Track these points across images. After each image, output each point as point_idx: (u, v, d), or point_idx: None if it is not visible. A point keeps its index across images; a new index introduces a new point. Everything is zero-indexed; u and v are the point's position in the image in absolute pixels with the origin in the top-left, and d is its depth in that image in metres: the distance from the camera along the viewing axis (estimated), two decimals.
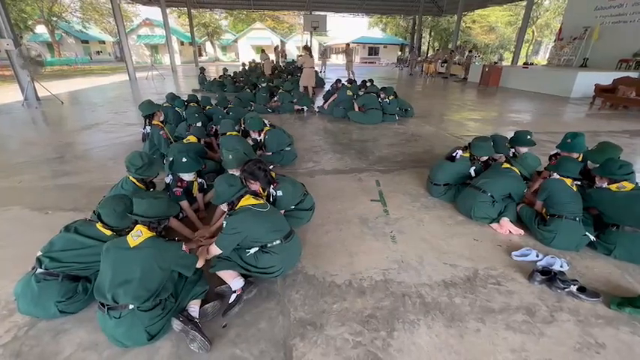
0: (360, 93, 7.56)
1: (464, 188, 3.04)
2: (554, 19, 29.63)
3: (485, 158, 3.20)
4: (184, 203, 2.74)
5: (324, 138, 5.56)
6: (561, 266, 2.20)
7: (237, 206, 2.00)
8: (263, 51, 12.83)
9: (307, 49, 9.17)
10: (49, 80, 14.22)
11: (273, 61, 13.33)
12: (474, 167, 3.09)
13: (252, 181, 2.35)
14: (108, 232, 1.88)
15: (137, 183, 2.39)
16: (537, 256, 2.32)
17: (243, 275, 1.99)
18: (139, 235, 1.66)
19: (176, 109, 5.46)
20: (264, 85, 8.64)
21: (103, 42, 37.41)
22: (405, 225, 2.81)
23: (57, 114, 7.62)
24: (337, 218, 2.93)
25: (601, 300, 1.93)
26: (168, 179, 2.77)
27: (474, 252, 2.43)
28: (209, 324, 1.79)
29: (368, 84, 8.91)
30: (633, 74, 9.22)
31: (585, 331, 1.74)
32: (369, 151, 4.82)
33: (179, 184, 2.72)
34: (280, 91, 7.93)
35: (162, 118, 4.00)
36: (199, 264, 1.86)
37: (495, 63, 16.68)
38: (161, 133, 3.73)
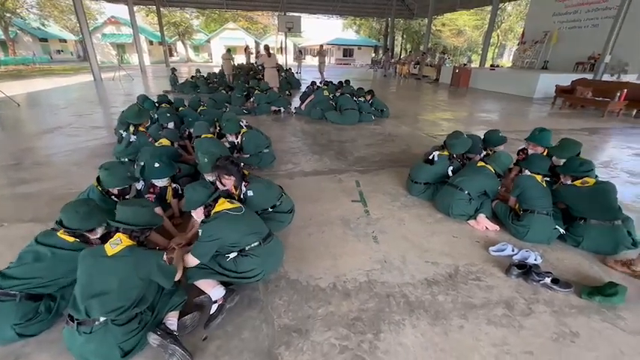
0: (337, 94, 7.58)
1: (442, 187, 3.11)
2: (517, 23, 31.34)
3: (462, 153, 3.29)
4: (158, 210, 2.59)
5: (302, 139, 5.51)
6: (535, 259, 2.29)
7: (213, 211, 1.92)
8: (228, 51, 12.53)
9: (267, 48, 9.07)
10: (2, 81, 13.19)
11: (233, 60, 12.91)
12: (451, 167, 3.17)
13: (227, 177, 2.27)
14: (70, 239, 1.74)
15: (102, 192, 2.23)
16: (513, 250, 2.40)
17: (223, 283, 1.91)
18: (117, 243, 1.57)
19: (147, 110, 5.20)
20: (239, 85, 8.46)
21: (65, 40, 35.21)
22: (386, 225, 2.83)
23: (13, 117, 7.05)
24: (319, 220, 2.89)
25: (572, 290, 2.03)
26: (140, 185, 2.62)
27: (454, 249, 2.48)
28: (188, 337, 1.70)
29: (344, 84, 8.98)
30: (589, 76, 9.90)
31: (560, 321, 1.82)
32: (348, 152, 4.83)
33: (152, 190, 2.58)
34: (256, 91, 7.80)
35: (148, 124, 3.80)
36: (177, 276, 1.77)
37: (465, 65, 17.35)
38: (150, 140, 3.55)
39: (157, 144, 3.59)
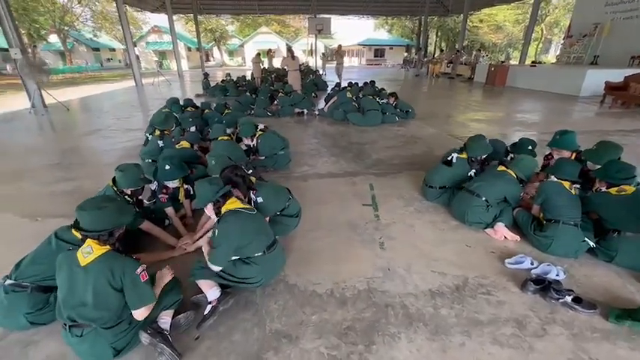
0: (361, 95, 7.48)
1: (459, 191, 2.94)
2: (564, 16, 29.00)
3: (483, 157, 3.07)
4: (170, 210, 2.70)
5: (321, 141, 5.49)
6: (557, 275, 2.07)
7: (224, 209, 1.93)
8: (258, 54, 12.77)
9: (289, 51, 9.14)
10: (59, 88, 14.56)
11: (263, 63, 13.08)
12: (473, 170, 2.97)
13: (232, 189, 2.29)
14: (79, 236, 1.83)
15: (118, 193, 2.35)
16: (532, 263, 2.19)
17: (221, 285, 1.93)
18: (89, 252, 1.48)
19: (174, 114, 5.47)
20: (264, 88, 8.64)
21: (114, 49, 38.23)
22: (395, 230, 2.72)
23: (62, 121, 7.75)
24: (327, 224, 2.85)
25: (598, 312, 1.81)
26: (154, 186, 2.74)
27: (465, 259, 2.32)
28: (181, 336, 1.73)
29: (369, 85, 8.85)
30: None
31: (579, 346, 1.62)
32: (366, 154, 4.73)
33: (164, 190, 2.69)
34: (280, 94, 7.91)
35: (173, 128, 4.02)
36: (142, 313, 1.55)
37: (502, 62, 16.38)
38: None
39: (177, 146, 3.76)
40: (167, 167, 2.61)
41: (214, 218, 1.97)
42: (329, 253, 2.44)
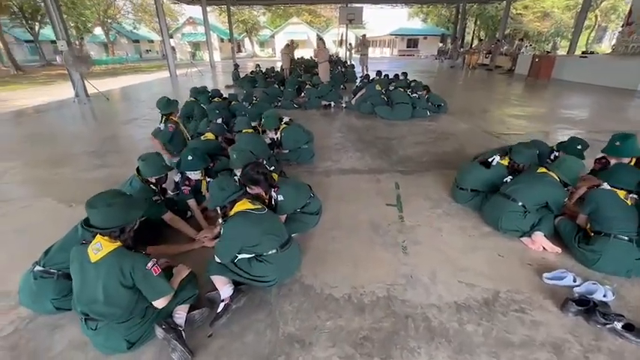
0: (391, 88, 7.20)
1: (493, 195, 2.71)
2: (623, 0, 26.18)
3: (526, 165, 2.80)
4: (192, 202, 2.73)
5: (346, 135, 5.35)
6: (604, 295, 1.84)
7: (232, 211, 1.91)
8: (287, 45, 12.63)
9: (319, 41, 8.93)
10: (101, 78, 15.40)
11: (292, 54, 12.83)
12: (510, 177, 2.72)
13: (253, 187, 2.25)
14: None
15: (144, 182, 2.39)
16: (574, 280, 1.97)
17: (235, 282, 1.90)
18: (98, 248, 1.47)
19: (201, 104, 5.55)
20: (292, 80, 8.57)
21: (152, 41, 39.84)
22: (420, 234, 2.56)
23: (102, 109, 8.18)
24: (347, 223, 2.75)
25: None
26: (177, 177, 2.78)
27: (497, 270, 2.13)
28: (195, 332, 1.73)
29: (401, 77, 8.50)
30: None
31: None
32: (393, 150, 4.54)
33: (187, 182, 2.71)
34: (307, 86, 7.81)
35: (178, 115, 4.03)
36: (166, 299, 1.58)
37: (548, 52, 15.13)
38: (169, 125, 3.77)
39: (202, 138, 3.79)
40: (189, 158, 2.62)
41: (220, 221, 1.94)
42: (348, 254, 2.34)
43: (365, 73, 9.76)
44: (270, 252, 1.90)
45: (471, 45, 26.26)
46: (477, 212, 2.83)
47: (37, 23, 24.52)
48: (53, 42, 9.36)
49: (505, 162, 2.81)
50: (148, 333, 1.61)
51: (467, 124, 5.89)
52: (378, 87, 6.92)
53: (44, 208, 3.12)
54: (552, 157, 3.03)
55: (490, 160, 2.87)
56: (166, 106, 3.87)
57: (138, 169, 2.44)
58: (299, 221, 2.50)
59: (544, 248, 2.30)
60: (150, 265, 1.52)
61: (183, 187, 2.69)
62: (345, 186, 3.46)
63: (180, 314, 1.70)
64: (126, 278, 1.48)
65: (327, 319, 1.79)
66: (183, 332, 1.61)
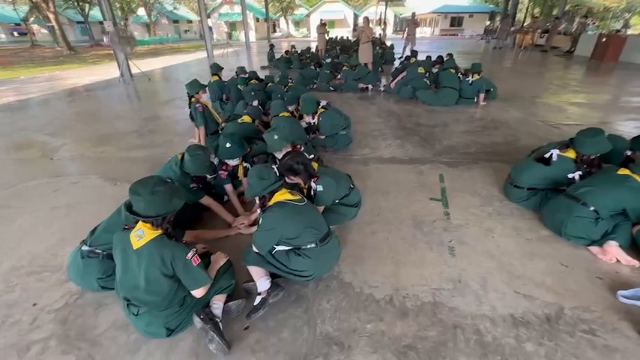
0: (434, 70, 6.72)
1: (554, 195, 2.41)
2: None
3: (596, 157, 2.44)
4: (229, 187, 2.69)
5: (385, 121, 5.09)
6: None
7: (271, 201, 1.82)
8: (323, 24, 12.15)
9: (366, 21, 8.40)
10: (143, 58, 15.97)
11: (329, 33, 12.20)
12: (579, 172, 2.39)
13: (293, 177, 2.15)
14: None
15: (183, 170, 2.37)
16: None
17: (272, 275, 1.84)
18: (140, 235, 1.47)
19: (238, 86, 5.51)
20: (327, 61, 8.28)
21: (190, 21, 40.60)
22: (468, 234, 2.35)
23: (144, 89, 8.46)
24: (387, 217, 2.59)
25: None
26: (215, 161, 2.74)
27: (560, 282, 1.90)
28: (232, 322, 1.70)
29: (446, 58, 7.90)
30: None
31: None
32: (436, 139, 4.24)
33: (224, 167, 2.68)
34: (344, 67, 7.51)
35: (203, 98, 3.98)
36: (200, 293, 1.56)
37: (618, 31, 13.40)
38: (197, 106, 3.73)
39: (239, 121, 3.75)
40: (227, 145, 2.56)
41: (259, 211, 1.87)
42: (389, 251, 2.20)
43: (407, 54, 8.99)
44: (309, 246, 1.81)
45: (523, 23, 23.87)
46: (534, 213, 2.55)
47: (87, 4, 25.76)
48: (101, 23, 9.72)
49: (571, 154, 2.46)
50: (187, 321, 1.60)
51: (519, 111, 5.36)
52: (420, 69, 6.48)
53: (91, 185, 3.26)
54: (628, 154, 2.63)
55: (548, 155, 2.54)
56: (191, 86, 3.84)
57: (182, 158, 2.39)
58: (337, 213, 2.38)
59: (617, 260, 2.01)
60: (190, 255, 1.49)
61: (220, 172, 2.66)
62: (385, 176, 3.28)
63: (218, 304, 1.67)
64: (166, 267, 1.46)
65: (368, 322, 1.69)
66: (220, 323, 1.59)
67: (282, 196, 1.84)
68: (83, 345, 1.61)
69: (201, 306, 1.64)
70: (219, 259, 1.81)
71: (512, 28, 19.11)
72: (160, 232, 1.51)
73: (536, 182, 2.55)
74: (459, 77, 5.90)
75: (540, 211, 2.49)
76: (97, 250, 1.82)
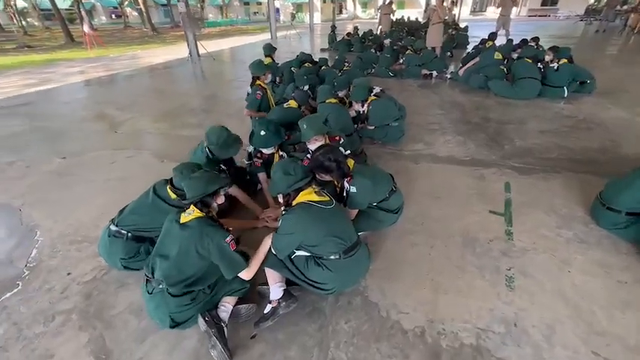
0: (514, 57, 5.77)
1: None
2: None
3: None
4: (262, 175, 2.57)
5: (447, 113, 4.51)
6: None
7: (295, 200, 1.62)
8: (390, 3, 11.24)
9: None
10: (213, 39, 16.78)
11: (394, 13, 11.15)
12: None
13: (324, 175, 1.90)
14: (173, 196, 1.82)
15: (211, 155, 2.28)
16: None
17: (288, 282, 1.66)
18: (190, 213, 1.53)
19: (292, 68, 5.36)
20: (387, 43, 7.66)
21: (260, 3, 41.59)
22: (535, 263, 1.89)
23: (208, 69, 8.83)
24: (433, 228, 2.22)
25: None
26: (250, 148, 2.62)
27: None
28: (239, 327, 1.58)
29: (531, 43, 6.77)
30: None
31: None
32: (507, 138, 3.60)
33: (259, 155, 2.54)
34: (407, 52, 6.87)
35: (268, 80, 3.87)
36: (249, 273, 1.57)
37: None
38: (257, 92, 3.62)
39: (285, 105, 3.59)
40: (262, 133, 2.40)
41: (281, 210, 1.67)
42: (429, 271, 1.87)
43: (495, 33, 7.42)
44: (331, 257, 1.58)
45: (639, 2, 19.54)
46: (633, 247, 1.96)
47: None
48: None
49: None
50: (194, 319, 1.50)
51: (623, 110, 4.33)
52: (497, 55, 5.60)
53: (142, 161, 3.42)
54: None
55: None
56: (256, 68, 3.72)
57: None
58: (373, 218, 2.09)
59: None
60: (228, 239, 1.48)
61: (254, 160, 2.53)
62: (437, 178, 2.86)
63: (227, 307, 1.55)
64: (203, 246, 1.46)
65: (389, 357, 1.42)
66: (225, 329, 1.47)
67: (308, 195, 1.62)
68: (98, 324, 1.63)
69: (212, 306, 1.54)
70: (265, 245, 1.67)
71: (624, 7, 15.79)
72: (204, 214, 1.54)
73: None
74: (539, 68, 4.96)
75: None
76: (123, 231, 1.83)
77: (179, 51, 12.59)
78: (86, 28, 13.57)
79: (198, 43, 10.45)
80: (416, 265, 1.92)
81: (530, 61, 4.97)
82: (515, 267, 1.87)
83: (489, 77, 5.36)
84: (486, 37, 7.27)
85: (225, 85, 6.85)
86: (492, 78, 5.29)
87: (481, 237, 2.11)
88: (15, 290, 1.85)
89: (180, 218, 1.53)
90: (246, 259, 1.56)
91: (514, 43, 6.78)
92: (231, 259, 1.49)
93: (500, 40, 7.50)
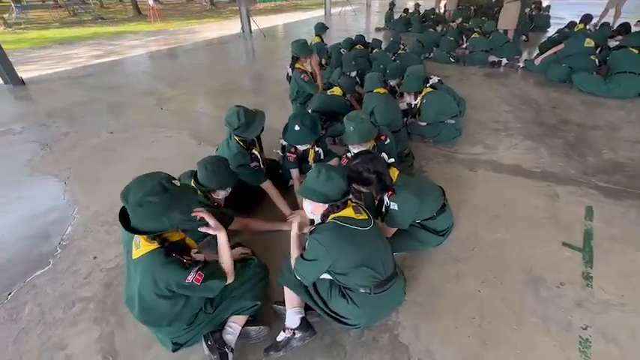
0: (610, 45, 4.77)
1: None
2: None
3: None
4: (295, 172, 2.37)
5: (516, 110, 3.87)
6: None
7: (331, 216, 1.35)
8: None
9: None
10: (266, 15, 16.61)
11: None
12: None
13: (362, 187, 1.61)
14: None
15: (241, 144, 2.10)
16: None
17: (307, 307, 1.46)
18: (137, 244, 1.19)
19: (341, 50, 4.98)
20: (452, 24, 6.83)
21: None
22: (623, 325, 1.47)
23: (258, 46, 8.72)
24: (487, 257, 1.86)
25: None
26: (284, 142, 2.41)
27: None
28: (247, 350, 1.42)
29: (636, 28, 5.56)
30: None
31: None
32: (592, 148, 2.97)
33: (292, 149, 2.32)
34: (473, 35, 6.05)
35: (307, 64, 3.56)
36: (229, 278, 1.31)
37: None
38: (302, 76, 3.35)
39: (329, 92, 3.30)
40: (297, 128, 2.16)
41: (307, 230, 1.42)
42: (477, 313, 1.54)
43: (615, 22, 5.84)
44: (360, 289, 1.32)
45: None
46: None
47: None
48: None
49: None
50: (198, 338, 1.37)
51: None
52: (588, 43, 4.65)
53: (180, 142, 3.39)
54: None
55: None
56: (299, 49, 3.42)
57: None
58: (413, 238, 1.79)
59: None
60: (190, 277, 1.15)
61: (287, 154, 2.32)
62: (497, 191, 2.42)
63: (234, 328, 1.40)
64: (160, 289, 1.16)
65: None
66: (229, 355, 1.31)
67: (344, 211, 1.36)
68: (112, 319, 1.59)
69: (218, 323, 1.39)
70: (235, 255, 1.47)
71: None
72: (155, 245, 1.17)
73: None
74: None
75: None
76: None
77: (233, 26, 12.63)
78: (151, 1, 14.16)
79: (251, 18, 10.33)
80: (461, 302, 1.60)
81: (636, 51, 4.03)
82: (593, 326, 1.47)
83: (574, 69, 4.49)
84: (574, 21, 6.14)
85: (273, 65, 6.66)
86: (578, 70, 4.43)
87: (549, 277, 1.71)
88: (46, 268, 1.90)
89: (132, 251, 1.21)
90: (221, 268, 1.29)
91: (612, 27, 5.63)
92: (203, 290, 1.20)
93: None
